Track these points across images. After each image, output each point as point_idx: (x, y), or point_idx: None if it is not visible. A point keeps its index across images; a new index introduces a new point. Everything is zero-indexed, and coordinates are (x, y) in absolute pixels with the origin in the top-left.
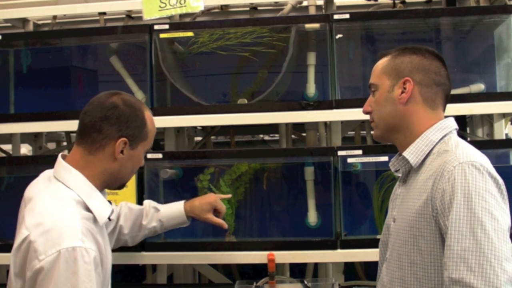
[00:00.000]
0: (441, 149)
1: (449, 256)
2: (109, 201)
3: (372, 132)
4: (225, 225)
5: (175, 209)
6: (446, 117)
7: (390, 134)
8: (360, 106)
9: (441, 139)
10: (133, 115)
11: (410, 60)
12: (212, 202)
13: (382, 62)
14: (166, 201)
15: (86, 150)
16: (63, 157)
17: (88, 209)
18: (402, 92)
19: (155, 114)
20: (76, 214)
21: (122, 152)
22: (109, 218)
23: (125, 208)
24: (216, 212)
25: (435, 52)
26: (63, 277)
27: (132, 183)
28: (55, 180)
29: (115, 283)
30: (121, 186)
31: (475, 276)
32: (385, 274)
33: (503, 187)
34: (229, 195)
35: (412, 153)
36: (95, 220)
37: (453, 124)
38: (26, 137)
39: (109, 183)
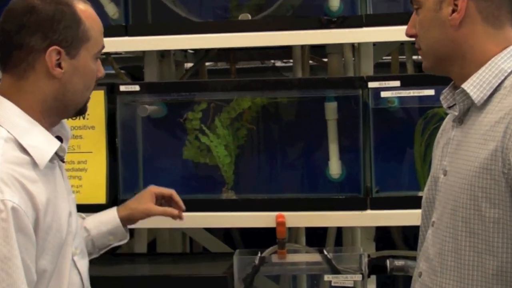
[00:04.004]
0: None
1: None
2: (59, 137)
3: (414, 57)
4: (175, 212)
5: (104, 212)
6: None
7: (442, 65)
8: (398, 23)
9: None
10: (59, 13)
11: None
12: (151, 190)
13: None
14: (144, 148)
15: (14, 75)
16: None
17: (23, 149)
18: (454, 11)
19: (131, 34)
20: None
21: (60, 65)
22: (62, 160)
23: None
24: (170, 203)
25: None
26: None
27: (100, 124)
28: None
29: None
30: (79, 111)
31: None
32: (431, 244)
33: None
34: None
35: (475, 86)
36: (34, 163)
37: None
38: None
39: (58, 111)
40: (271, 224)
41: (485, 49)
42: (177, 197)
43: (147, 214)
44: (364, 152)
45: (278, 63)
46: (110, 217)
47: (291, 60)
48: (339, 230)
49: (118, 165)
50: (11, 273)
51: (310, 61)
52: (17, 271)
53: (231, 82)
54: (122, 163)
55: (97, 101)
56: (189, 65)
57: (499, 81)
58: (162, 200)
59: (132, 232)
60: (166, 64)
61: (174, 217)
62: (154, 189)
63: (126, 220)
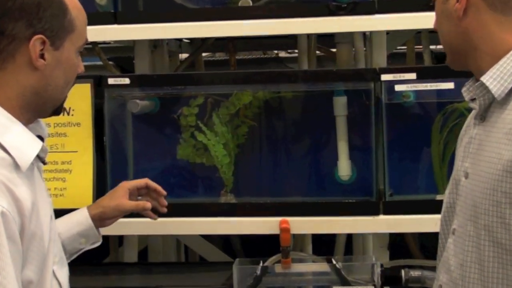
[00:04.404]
0: None
1: None
2: (40, 137)
3: (432, 47)
4: (148, 205)
5: (74, 213)
6: None
7: (459, 60)
8: (414, 9)
9: None
10: (45, 0)
11: None
12: (124, 185)
13: None
14: (135, 147)
15: None
16: None
17: (4, 149)
18: (458, 1)
19: (120, 22)
20: None
21: (43, 56)
22: (43, 162)
23: None
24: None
25: None
26: None
27: (86, 121)
28: None
29: None
30: (56, 111)
31: None
32: (452, 254)
33: None
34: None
35: (495, 78)
36: (15, 165)
37: None
38: None
39: (36, 108)
40: (274, 230)
41: (500, 39)
42: (153, 185)
43: (119, 210)
44: (377, 152)
45: (282, 54)
46: (81, 217)
47: (296, 51)
48: (349, 237)
49: (106, 166)
50: (6, 284)
51: (317, 52)
52: (12, 282)
53: (230, 74)
54: (111, 164)
55: (83, 95)
56: (184, 56)
57: None
58: (139, 197)
59: (121, 239)
60: (158, 54)
61: (148, 211)
62: (126, 184)
63: (97, 220)
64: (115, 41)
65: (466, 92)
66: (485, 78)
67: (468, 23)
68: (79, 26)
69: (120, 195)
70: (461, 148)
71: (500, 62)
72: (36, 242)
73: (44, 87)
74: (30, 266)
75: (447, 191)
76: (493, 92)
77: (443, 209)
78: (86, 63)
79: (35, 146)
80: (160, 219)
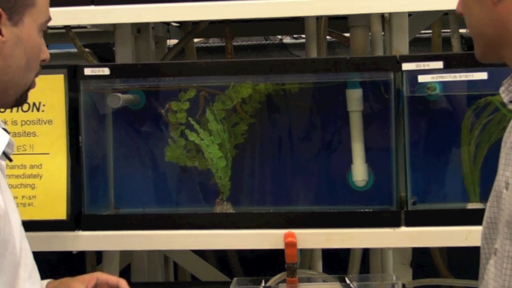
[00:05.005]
0: None
1: None
2: (5, 129)
3: (461, 31)
4: None
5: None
6: None
7: (492, 51)
8: None
9: None
10: None
11: None
12: (96, 274)
13: None
14: (116, 148)
15: None
16: None
17: None
18: None
19: (98, 3)
20: None
21: (0, 32)
22: (9, 158)
23: None
24: None
25: None
26: None
27: (59, 118)
28: None
29: None
30: (19, 99)
31: None
32: (492, 278)
33: None
34: None
35: None
36: None
37: None
38: None
39: None
40: (278, 245)
41: None
42: None
43: None
44: (397, 153)
45: (287, 39)
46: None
47: (303, 36)
48: (366, 252)
49: (82, 170)
50: None
51: (328, 37)
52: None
53: (226, 63)
54: (88, 167)
55: (55, 88)
56: (172, 42)
57: None
58: None
59: (100, 256)
60: (143, 40)
61: None
62: (98, 274)
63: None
64: (92, 25)
65: (505, 92)
66: None
67: (505, 8)
68: (40, 1)
69: (83, 279)
70: (505, 155)
71: None
72: (10, 249)
73: (4, 68)
74: (3, 277)
75: (488, 204)
76: None
77: (483, 224)
78: (58, 51)
79: (2, 139)
80: (145, 232)
